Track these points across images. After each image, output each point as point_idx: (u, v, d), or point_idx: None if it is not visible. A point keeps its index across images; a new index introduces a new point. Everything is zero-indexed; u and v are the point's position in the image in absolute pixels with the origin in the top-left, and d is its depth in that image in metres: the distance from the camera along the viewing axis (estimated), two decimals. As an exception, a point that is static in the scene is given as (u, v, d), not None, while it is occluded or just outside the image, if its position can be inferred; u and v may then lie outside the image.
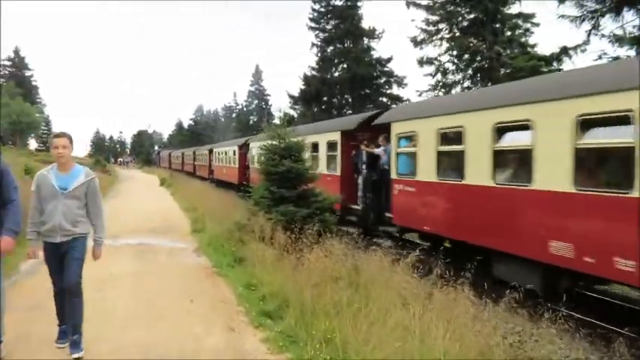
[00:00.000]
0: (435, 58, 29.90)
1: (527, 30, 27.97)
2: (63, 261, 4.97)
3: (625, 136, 5.93)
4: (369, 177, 13.53)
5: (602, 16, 15.80)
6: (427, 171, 10.47)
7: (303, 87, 39.90)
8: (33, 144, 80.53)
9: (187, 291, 7.50)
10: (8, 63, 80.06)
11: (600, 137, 6.41)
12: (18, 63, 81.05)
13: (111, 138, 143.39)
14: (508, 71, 28.31)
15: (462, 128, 9.28)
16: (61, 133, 5.00)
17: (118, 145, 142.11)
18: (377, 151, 13.23)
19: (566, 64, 23.54)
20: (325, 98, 40.68)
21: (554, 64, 24.88)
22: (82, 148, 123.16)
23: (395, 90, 38.78)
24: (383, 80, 39.14)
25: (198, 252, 10.97)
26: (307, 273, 6.55)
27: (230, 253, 9.95)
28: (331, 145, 15.67)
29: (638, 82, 5.70)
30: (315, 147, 16.64)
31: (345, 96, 41.16)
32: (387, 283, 5.79)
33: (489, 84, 25.94)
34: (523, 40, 28.41)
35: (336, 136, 15.29)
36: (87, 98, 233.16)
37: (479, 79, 29.57)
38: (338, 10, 38.98)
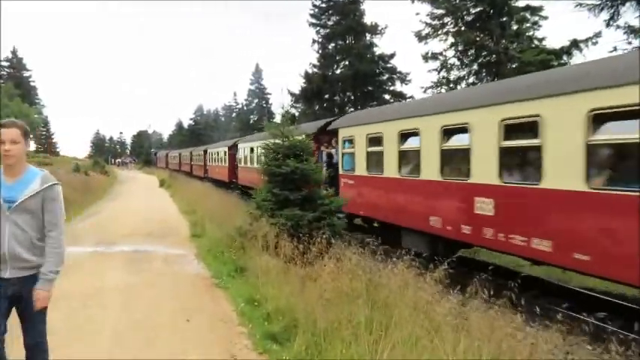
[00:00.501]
0: (440, 53, 29.14)
1: (535, 23, 27.17)
2: (14, 304, 3.64)
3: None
4: (328, 173, 15.06)
5: (623, 4, 15.02)
6: (361, 167, 13.10)
7: (304, 84, 39.13)
8: (33, 145, 79.99)
9: (183, 307, 6.74)
10: (6, 64, 79.35)
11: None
12: (16, 64, 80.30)
13: (111, 139, 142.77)
14: (515, 66, 27.55)
15: (381, 134, 12.03)
16: (9, 122, 3.63)
17: (118, 146, 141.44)
18: (331, 151, 15.47)
19: (577, 58, 22.82)
20: (327, 96, 39.92)
21: (564, 57, 24.13)
22: (82, 148, 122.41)
23: (398, 86, 38.03)
24: (386, 77, 38.34)
25: (196, 259, 10.21)
26: (318, 288, 5.78)
27: (230, 262, 9.18)
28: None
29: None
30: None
31: (348, 93, 40.40)
32: (412, 301, 5.01)
33: (496, 79, 25.21)
34: (531, 33, 27.62)
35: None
36: (87, 99, 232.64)
37: (484, 74, 28.79)
38: (339, 6, 38.15)
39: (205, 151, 43.65)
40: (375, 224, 13.13)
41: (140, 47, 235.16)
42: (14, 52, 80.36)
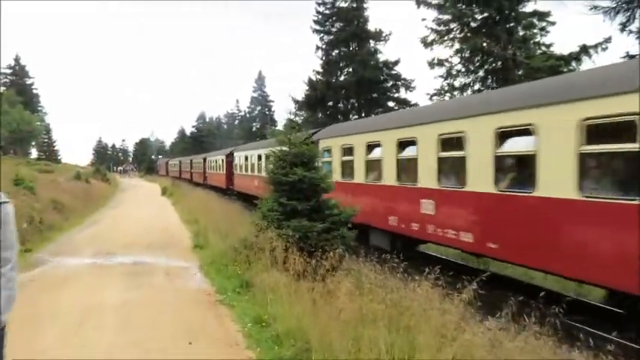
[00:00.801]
0: (446, 60, 28.75)
1: (542, 29, 26.77)
2: None
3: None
4: None
5: (640, 7, 14.60)
6: (336, 173, 14.15)
7: (307, 92, 38.77)
8: (35, 153, 79.77)
9: (185, 327, 6.24)
10: (8, 71, 79.26)
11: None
12: (18, 71, 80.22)
13: (113, 146, 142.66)
14: (521, 72, 27.17)
15: (353, 145, 13.54)
16: None
17: (120, 154, 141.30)
18: None
19: (586, 64, 22.40)
20: (330, 103, 39.54)
21: (573, 63, 23.71)
22: (84, 156, 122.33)
23: (403, 93, 37.62)
24: (390, 84, 37.96)
25: (199, 273, 9.73)
26: (333, 308, 5.29)
27: (235, 276, 8.70)
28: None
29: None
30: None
31: (352, 100, 40.02)
32: (438, 326, 4.52)
33: (498, 86, 24.74)
34: (538, 39, 27.23)
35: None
36: (89, 106, 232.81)
37: (491, 81, 28.37)
38: (343, 12, 37.84)
39: (204, 159, 45.25)
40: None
41: (140, 50, 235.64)
42: (17, 60, 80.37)
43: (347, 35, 37.29)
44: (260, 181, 21.62)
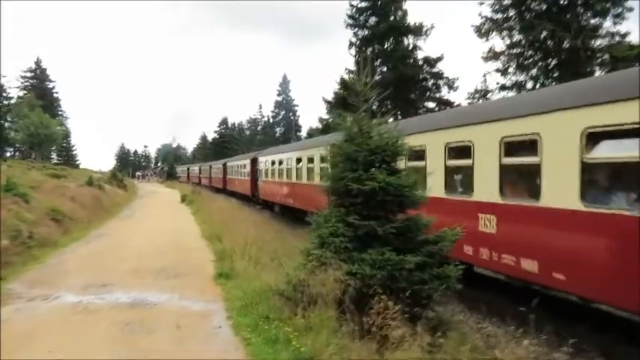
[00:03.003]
0: (502, 53, 25.32)
1: (617, 15, 23.21)
2: None
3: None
4: None
5: None
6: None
7: (339, 92, 35.62)
8: (55, 158, 78.14)
9: None
10: (29, 74, 77.85)
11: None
12: (39, 74, 78.79)
13: (135, 152, 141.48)
14: (595, 62, 23.54)
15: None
16: None
17: (142, 159, 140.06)
18: None
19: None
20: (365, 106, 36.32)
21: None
22: (108, 162, 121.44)
23: (445, 93, 34.25)
24: (431, 83, 34.60)
25: (226, 326, 6.51)
26: None
27: (284, 342, 5.47)
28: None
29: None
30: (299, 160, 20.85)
31: (386, 101, 36.74)
32: None
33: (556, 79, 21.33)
34: (610, 26, 23.67)
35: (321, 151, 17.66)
36: (112, 112, 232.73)
37: (556, 74, 24.79)
38: (379, 5, 34.65)
39: (225, 165, 45.65)
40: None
41: (163, 55, 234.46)
42: (37, 63, 78.95)
43: (384, 30, 34.06)
44: (301, 189, 19.92)
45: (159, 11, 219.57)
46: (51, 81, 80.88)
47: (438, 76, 33.76)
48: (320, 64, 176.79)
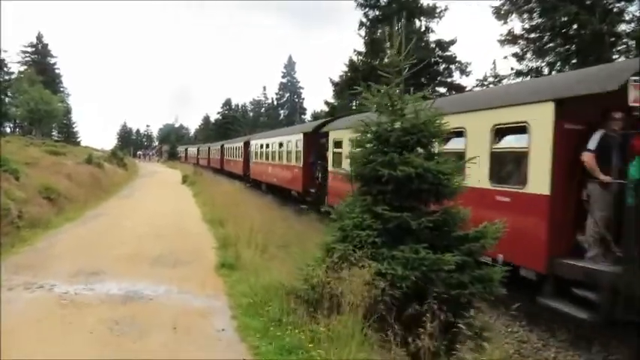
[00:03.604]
0: (521, 36, 24.20)
1: (644, -1, 22.03)
2: None
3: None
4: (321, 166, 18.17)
5: None
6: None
7: (347, 74, 34.52)
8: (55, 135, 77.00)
9: None
10: (30, 49, 76.44)
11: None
12: (40, 50, 77.40)
13: (137, 131, 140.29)
14: (617, 49, 22.45)
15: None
16: None
17: (144, 139, 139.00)
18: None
19: None
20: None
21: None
22: (110, 141, 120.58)
23: (457, 78, 33.12)
24: (442, 67, 33.45)
25: (232, 329, 5.65)
26: None
27: (302, 352, 4.61)
28: (293, 143, 21.97)
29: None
30: (276, 145, 25.01)
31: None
32: None
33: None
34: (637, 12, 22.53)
35: (299, 137, 20.88)
36: (114, 91, 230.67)
37: (574, 62, 23.69)
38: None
39: (222, 146, 47.87)
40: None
41: (166, 34, 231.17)
42: (39, 38, 77.47)
43: (396, 9, 32.81)
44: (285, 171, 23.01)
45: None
46: (52, 56, 79.59)
47: (451, 59, 32.61)
48: (324, 49, 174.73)
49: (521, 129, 7.67)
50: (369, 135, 5.69)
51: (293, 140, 21.85)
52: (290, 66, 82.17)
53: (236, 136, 66.19)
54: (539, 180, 7.21)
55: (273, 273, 7.01)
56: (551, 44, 24.34)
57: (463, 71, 32.47)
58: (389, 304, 4.61)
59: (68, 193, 17.00)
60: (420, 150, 5.49)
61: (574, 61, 23.95)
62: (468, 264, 5.23)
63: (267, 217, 14.37)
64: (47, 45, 78.47)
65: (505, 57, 25.54)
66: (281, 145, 23.92)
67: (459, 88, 32.93)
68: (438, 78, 33.32)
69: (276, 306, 5.68)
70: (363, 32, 34.56)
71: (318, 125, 19.89)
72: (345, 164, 13.41)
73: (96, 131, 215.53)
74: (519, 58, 25.34)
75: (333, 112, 39.57)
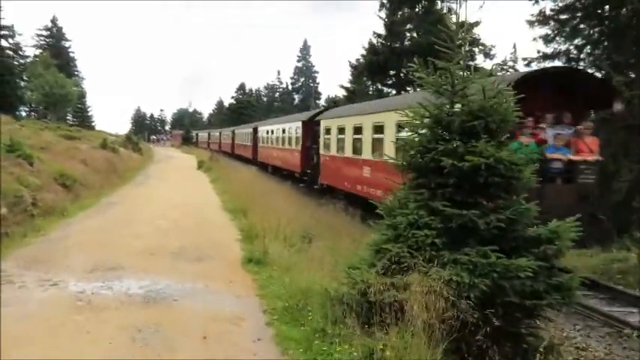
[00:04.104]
0: (553, 17, 23.00)
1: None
2: None
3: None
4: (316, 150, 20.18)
5: None
6: (333, 149, 18.07)
7: (367, 57, 33.47)
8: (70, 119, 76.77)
9: None
10: (45, 33, 76.02)
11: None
12: (55, 33, 76.95)
13: (151, 116, 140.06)
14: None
15: (344, 126, 16.86)
16: None
17: (158, 123, 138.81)
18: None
19: None
20: (392, 72, 34.13)
21: None
22: (124, 126, 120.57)
23: (480, 61, 31.88)
24: (465, 50, 32.24)
25: (267, 337, 5.00)
26: None
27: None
28: (295, 130, 24.18)
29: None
30: (280, 131, 27.66)
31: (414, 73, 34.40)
32: None
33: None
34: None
35: (299, 124, 23.41)
36: (129, 75, 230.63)
37: (607, 44, 22.46)
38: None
39: (233, 132, 49.90)
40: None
41: (180, 19, 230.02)
42: (53, 21, 77.00)
43: (418, -11, 31.63)
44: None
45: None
46: (67, 40, 79.03)
47: (474, 42, 31.40)
48: (338, 32, 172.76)
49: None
50: (425, 120, 4.95)
51: (293, 127, 24.54)
52: (305, 50, 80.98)
53: (250, 121, 65.67)
54: None
55: (309, 271, 6.35)
56: (582, 26, 23.14)
57: (487, 54, 31.31)
58: (464, 320, 3.90)
59: (84, 179, 16.50)
60: (486, 137, 4.73)
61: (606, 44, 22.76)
62: (542, 270, 4.50)
63: (290, 206, 13.71)
64: (62, 28, 78.05)
65: (534, 39, 24.38)
66: (284, 131, 26.59)
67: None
68: (461, 62, 32.17)
69: (317, 313, 5.01)
70: (383, 14, 33.41)
71: (313, 114, 22.62)
72: (347, 148, 16.34)
73: (110, 116, 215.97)
74: (548, 40, 24.18)
75: (352, 97, 38.64)
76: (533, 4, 23.20)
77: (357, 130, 15.27)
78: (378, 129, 13.51)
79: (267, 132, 31.49)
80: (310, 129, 21.53)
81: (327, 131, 18.66)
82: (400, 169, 5.20)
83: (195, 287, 6.65)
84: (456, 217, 4.51)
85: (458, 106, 4.88)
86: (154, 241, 9.43)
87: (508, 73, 28.12)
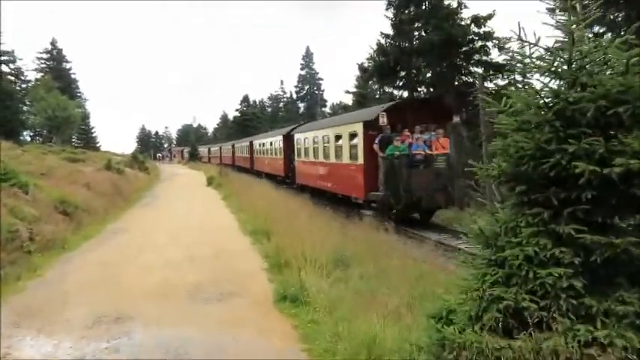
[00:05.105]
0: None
1: None
2: None
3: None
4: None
5: None
6: (304, 155, 23.29)
7: (376, 58, 32.11)
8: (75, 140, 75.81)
9: None
10: (45, 56, 75.27)
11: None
12: (56, 55, 76.21)
13: (156, 133, 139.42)
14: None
15: (309, 137, 22.52)
16: None
17: (163, 140, 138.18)
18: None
19: None
20: (403, 73, 32.70)
21: None
22: (130, 145, 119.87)
23: (494, 56, 30.40)
24: (478, 45, 30.79)
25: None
26: None
27: None
28: (278, 142, 29.93)
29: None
30: (268, 144, 33.42)
31: (424, 69, 32.97)
32: None
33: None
34: None
35: (281, 138, 29.33)
36: (133, 94, 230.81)
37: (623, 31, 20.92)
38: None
39: (233, 145, 54.86)
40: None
41: (180, 35, 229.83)
42: (53, 43, 76.26)
43: (426, -15, 30.26)
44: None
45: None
46: (67, 61, 78.30)
47: (488, 36, 29.96)
48: (336, 42, 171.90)
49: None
50: (531, 112, 3.56)
51: (277, 140, 30.49)
52: (308, 57, 79.60)
53: (255, 132, 64.67)
54: (360, 157, 15.46)
55: (362, 312, 4.97)
56: (605, 12, 21.67)
57: (502, 48, 29.78)
58: None
59: (87, 205, 15.22)
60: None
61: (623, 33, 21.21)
62: None
63: (313, 220, 12.26)
64: (62, 50, 77.29)
65: (550, 25, 22.97)
66: (271, 144, 32.54)
67: (499, 68, 30.58)
68: (475, 57, 30.73)
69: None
70: (390, 13, 32.08)
71: (291, 129, 27.98)
72: (305, 155, 22.79)
73: (116, 135, 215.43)
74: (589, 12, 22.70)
75: (363, 102, 37.32)
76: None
77: (324, 139, 19.51)
78: (338, 138, 17.80)
79: (260, 145, 37.52)
80: (289, 141, 26.77)
81: (299, 142, 24.35)
82: (495, 180, 3.81)
83: (221, 341, 5.28)
84: (603, 247, 3.11)
85: (575, 90, 3.48)
86: (166, 277, 8.08)
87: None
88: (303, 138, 22.95)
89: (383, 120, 14.48)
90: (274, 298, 6.71)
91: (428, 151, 14.26)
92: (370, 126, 14.90)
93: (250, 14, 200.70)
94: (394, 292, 5.94)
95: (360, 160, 15.32)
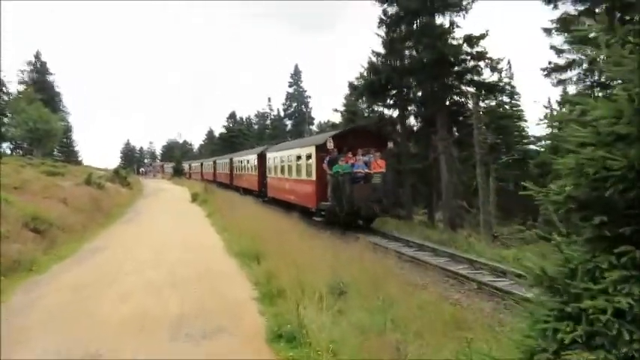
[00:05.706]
0: (578, 15, 21.27)
1: None
2: None
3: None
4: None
5: None
6: (274, 172, 26.58)
7: (367, 77, 31.62)
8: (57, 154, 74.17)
9: None
10: (29, 68, 73.96)
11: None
12: (39, 68, 74.89)
13: (141, 149, 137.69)
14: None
15: (283, 156, 24.73)
16: None
17: (148, 156, 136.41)
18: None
19: None
20: (394, 91, 32.19)
21: None
22: (114, 160, 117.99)
23: (487, 76, 30.07)
24: (470, 64, 30.46)
25: None
26: None
27: None
28: (254, 160, 33.35)
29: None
30: (246, 161, 37.47)
31: (413, 88, 32.52)
32: None
33: None
34: None
35: (255, 156, 32.79)
36: (116, 108, 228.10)
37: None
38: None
39: (215, 162, 56.95)
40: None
41: (165, 50, 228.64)
42: (37, 56, 75.00)
43: (418, 4, 29.94)
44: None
45: (163, 2, 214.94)
46: (51, 74, 77.03)
47: (481, 56, 29.65)
48: (322, 60, 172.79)
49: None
50: (624, 122, 2.81)
51: (252, 158, 33.74)
52: (297, 75, 79.28)
53: (242, 149, 63.88)
54: (314, 174, 18.66)
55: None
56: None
57: (494, 68, 29.51)
58: None
59: (62, 222, 14.22)
60: None
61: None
62: None
63: (304, 241, 11.37)
64: (45, 63, 76.04)
65: (552, 47, 22.65)
66: (248, 161, 35.87)
67: (492, 88, 30.34)
68: (467, 76, 30.37)
69: None
70: (382, 32, 31.65)
71: (264, 149, 32.18)
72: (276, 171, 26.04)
73: (100, 150, 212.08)
74: (558, 51, 22.55)
75: (354, 119, 36.75)
76: (553, 9, 21.58)
77: (289, 158, 22.80)
78: (298, 158, 20.95)
79: (239, 162, 40.62)
80: (263, 159, 30.06)
81: (269, 160, 27.59)
82: (560, 207, 3.03)
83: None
84: None
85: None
86: (145, 305, 7.17)
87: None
88: (273, 157, 26.36)
89: (330, 144, 17.92)
90: (267, 336, 5.84)
91: (367, 170, 17.45)
92: (321, 149, 18.27)
93: (239, 27, 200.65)
94: (401, 328, 5.13)
95: (313, 177, 18.66)
